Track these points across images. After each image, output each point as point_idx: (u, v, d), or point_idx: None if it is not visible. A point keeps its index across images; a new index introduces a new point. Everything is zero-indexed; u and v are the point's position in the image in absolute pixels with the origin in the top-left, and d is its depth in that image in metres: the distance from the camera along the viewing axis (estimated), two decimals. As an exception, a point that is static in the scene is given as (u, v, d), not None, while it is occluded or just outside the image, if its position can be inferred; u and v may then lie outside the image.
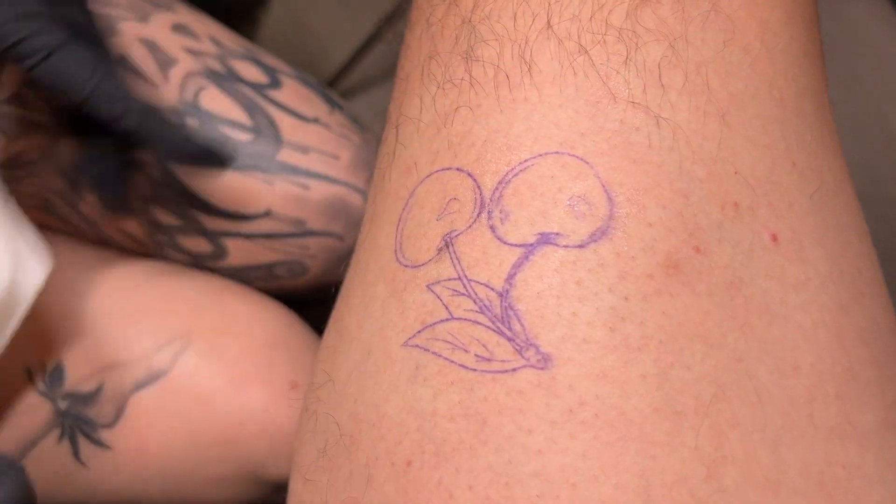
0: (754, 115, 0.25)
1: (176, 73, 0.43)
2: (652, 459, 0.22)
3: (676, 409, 0.23)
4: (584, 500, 0.22)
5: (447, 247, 0.26)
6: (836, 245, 0.26)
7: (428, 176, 0.27)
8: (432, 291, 0.26)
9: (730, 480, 0.22)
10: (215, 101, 0.43)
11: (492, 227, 0.25)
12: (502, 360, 0.24)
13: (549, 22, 0.26)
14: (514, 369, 0.24)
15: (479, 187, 0.26)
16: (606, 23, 0.25)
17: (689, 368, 0.23)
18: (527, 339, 0.24)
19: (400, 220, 0.27)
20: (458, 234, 0.26)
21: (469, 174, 0.26)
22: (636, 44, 0.25)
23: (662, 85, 0.25)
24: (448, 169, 0.26)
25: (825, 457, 0.23)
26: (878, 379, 0.25)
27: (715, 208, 0.24)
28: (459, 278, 0.25)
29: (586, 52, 0.25)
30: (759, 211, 0.25)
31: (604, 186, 0.24)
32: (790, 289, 0.25)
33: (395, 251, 0.27)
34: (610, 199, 0.24)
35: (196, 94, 0.42)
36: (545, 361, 0.23)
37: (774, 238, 0.25)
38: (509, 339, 0.24)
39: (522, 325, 0.24)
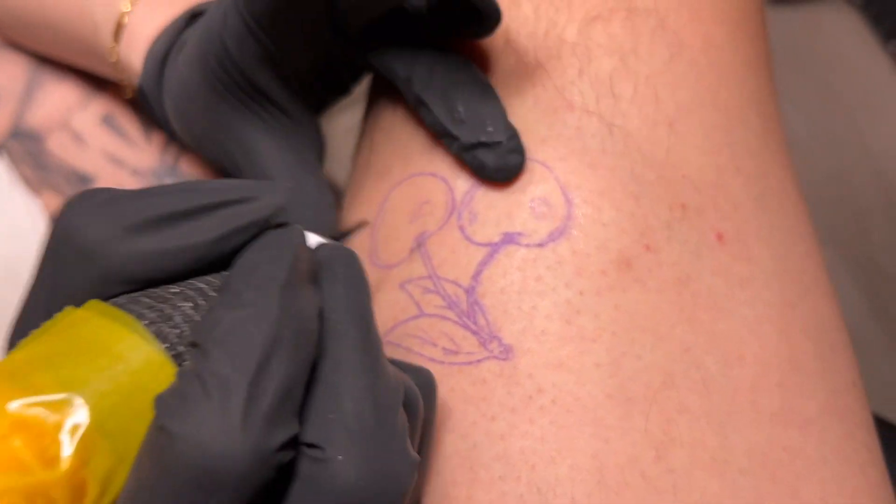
0: (700, 123, 0.27)
1: (158, 138, 0.42)
2: (605, 442, 0.24)
3: (628, 396, 0.24)
4: (542, 480, 0.24)
5: (419, 247, 0.27)
6: (781, 245, 0.28)
7: (401, 181, 0.29)
8: (405, 290, 0.27)
9: (678, 462, 0.24)
10: (194, 167, 0.44)
11: (461, 228, 0.27)
12: (468, 353, 0.26)
13: (507, 39, 0.28)
14: (478, 360, 0.25)
15: (451, 190, 0.27)
16: (560, 38, 0.27)
17: (640, 358, 0.25)
18: (490, 332, 0.26)
19: (374, 224, 0.29)
20: (430, 235, 0.27)
21: (443, 179, 0.28)
22: (588, 57, 0.27)
23: (614, 95, 0.27)
24: (422, 174, 0.28)
25: (768, 440, 0.25)
26: (821, 370, 0.27)
27: (664, 209, 0.26)
28: (430, 276, 0.27)
29: (542, 65, 0.27)
30: (706, 212, 0.27)
31: (562, 189, 0.26)
32: (736, 285, 0.26)
33: (371, 254, 0.29)
34: (568, 201, 0.26)
35: (176, 159, 0.43)
36: (507, 352, 0.25)
37: (720, 237, 0.27)
38: (474, 333, 0.26)
39: (487, 320, 0.26)
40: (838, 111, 0.83)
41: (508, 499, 0.24)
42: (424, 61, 0.26)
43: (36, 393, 0.15)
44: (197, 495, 0.16)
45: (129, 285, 0.19)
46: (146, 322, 0.18)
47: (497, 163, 0.26)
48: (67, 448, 0.15)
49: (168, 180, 0.41)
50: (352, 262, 0.21)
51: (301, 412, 0.18)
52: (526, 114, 0.27)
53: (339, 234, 0.25)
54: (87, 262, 0.19)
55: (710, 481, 0.24)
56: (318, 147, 0.31)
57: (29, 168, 0.41)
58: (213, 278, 0.20)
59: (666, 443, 0.24)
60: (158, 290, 0.19)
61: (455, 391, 0.25)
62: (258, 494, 0.17)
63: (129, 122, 0.42)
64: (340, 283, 0.20)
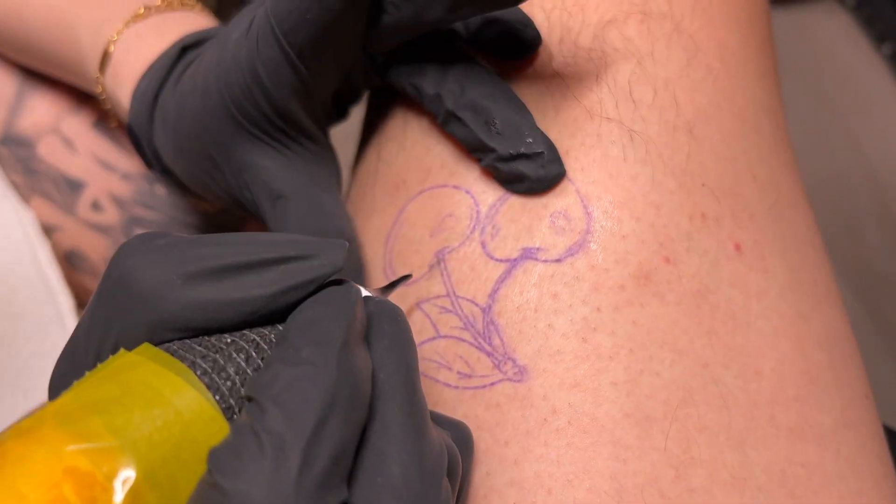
0: (718, 129, 0.27)
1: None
2: (623, 463, 0.23)
3: (646, 414, 0.24)
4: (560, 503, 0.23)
5: (438, 263, 0.27)
6: (794, 256, 0.27)
7: (420, 193, 0.28)
8: (422, 310, 0.27)
9: (697, 481, 0.23)
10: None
11: (482, 243, 0.26)
12: (482, 376, 0.25)
13: None
14: (492, 383, 0.25)
15: (477, 204, 0.27)
16: (575, 45, 0.27)
17: (659, 375, 0.24)
18: (505, 353, 0.25)
19: (389, 237, 0.28)
20: (451, 251, 0.27)
21: (468, 192, 0.27)
22: (605, 62, 0.26)
23: (633, 100, 0.26)
24: (444, 186, 0.27)
25: (787, 456, 0.24)
26: (836, 382, 0.27)
27: (684, 219, 0.26)
28: (448, 295, 0.26)
29: (559, 74, 0.27)
30: (724, 221, 0.26)
31: (583, 201, 0.26)
32: (752, 296, 0.26)
33: (384, 268, 0.28)
34: (588, 214, 0.25)
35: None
36: (521, 374, 0.25)
37: (738, 247, 0.26)
38: (489, 354, 0.25)
39: (501, 340, 0.25)
40: (831, 114, 0.83)
41: None
42: (454, 77, 0.26)
43: (88, 439, 0.15)
44: None
45: (183, 333, 0.19)
46: (199, 372, 0.18)
47: (538, 173, 0.25)
48: (117, 497, 0.15)
49: (159, 186, 0.41)
50: (398, 318, 0.21)
51: (350, 474, 0.18)
52: (548, 125, 0.26)
53: (384, 287, 0.25)
54: (143, 307, 0.18)
55: (730, 500, 0.23)
56: (336, 175, 0.31)
57: (19, 174, 0.41)
58: (267, 331, 0.19)
59: (686, 462, 0.23)
60: (212, 339, 0.19)
61: (468, 418, 0.25)
62: None
63: (121, 127, 0.41)
64: (388, 340, 0.20)
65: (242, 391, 0.18)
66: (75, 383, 0.17)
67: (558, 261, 0.25)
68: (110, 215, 0.41)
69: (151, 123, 0.31)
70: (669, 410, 0.24)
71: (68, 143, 0.41)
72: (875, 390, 0.30)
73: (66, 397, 0.17)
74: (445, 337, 0.26)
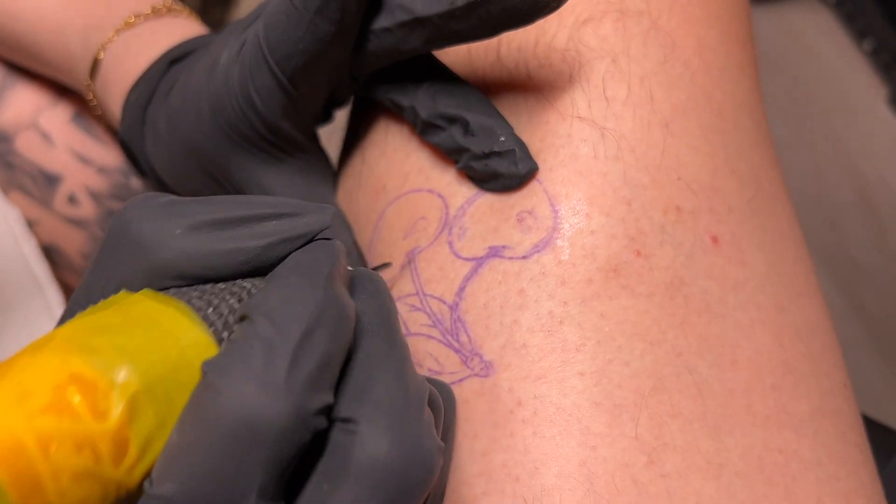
0: (696, 124, 0.27)
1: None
2: (592, 450, 0.23)
3: (616, 403, 0.24)
4: (527, 491, 0.23)
5: (409, 263, 0.27)
6: (773, 249, 0.28)
7: (398, 197, 0.28)
8: None
9: (671, 466, 0.24)
10: None
11: (450, 243, 0.26)
12: (451, 372, 0.25)
13: (498, 54, 0.28)
14: (460, 380, 0.25)
15: (446, 206, 0.27)
16: (550, 46, 0.27)
17: (628, 364, 0.24)
18: (472, 349, 0.25)
19: (370, 242, 0.29)
20: (421, 251, 0.27)
21: (439, 195, 0.27)
22: (579, 62, 0.27)
23: (606, 98, 0.26)
24: (419, 190, 0.28)
25: (764, 442, 0.25)
26: (814, 372, 0.27)
27: (658, 213, 0.26)
28: (417, 293, 0.26)
29: (532, 77, 0.27)
30: (701, 215, 0.26)
31: (550, 200, 0.26)
32: (729, 289, 0.26)
33: None
34: (555, 212, 0.26)
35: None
36: (487, 369, 0.25)
37: (715, 240, 0.26)
38: (456, 351, 0.25)
39: (469, 336, 0.25)
40: (812, 109, 0.84)
41: None
42: (427, 89, 0.27)
43: (93, 353, 0.16)
44: (237, 449, 0.16)
45: (179, 280, 0.20)
46: (194, 308, 0.19)
47: (511, 169, 0.26)
48: (117, 404, 0.16)
49: (134, 179, 0.41)
50: (377, 278, 0.22)
51: (335, 392, 0.19)
52: (520, 129, 0.27)
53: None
54: (142, 255, 0.20)
55: (706, 484, 0.24)
56: (330, 178, 0.32)
57: (-4, 169, 0.40)
58: (258, 281, 0.21)
59: (658, 448, 0.24)
60: (207, 286, 0.20)
61: None
62: (293, 457, 0.17)
63: (98, 121, 0.41)
64: (368, 293, 0.21)
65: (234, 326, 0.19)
66: (79, 313, 0.19)
67: (524, 258, 0.25)
68: (86, 209, 0.41)
69: (143, 135, 0.32)
70: (640, 399, 0.24)
71: (46, 137, 0.41)
72: (855, 381, 0.30)
73: (72, 323, 0.18)
74: (415, 335, 0.26)
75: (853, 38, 0.90)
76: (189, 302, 0.19)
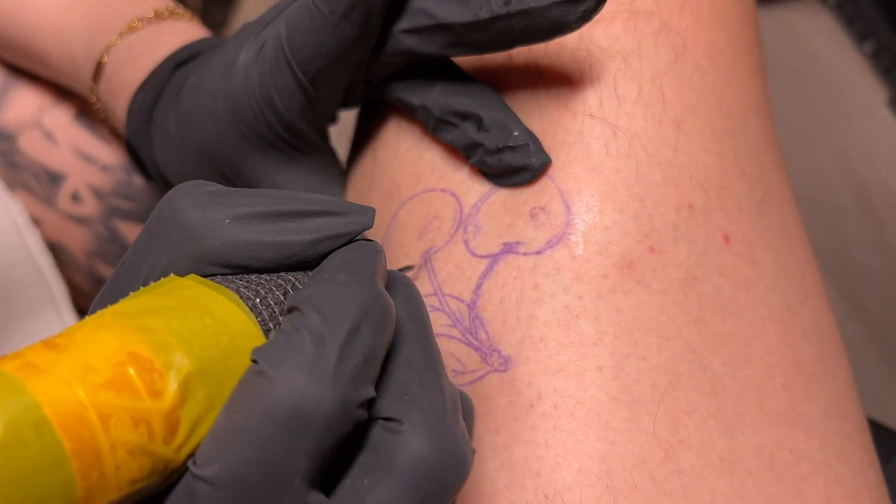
0: (707, 124, 0.27)
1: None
2: (612, 445, 0.23)
3: (634, 398, 0.24)
4: (548, 486, 0.23)
5: (425, 263, 0.27)
6: (782, 250, 0.28)
7: (411, 197, 0.28)
8: None
9: (687, 463, 0.24)
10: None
11: (465, 242, 0.26)
12: (472, 371, 0.25)
13: (510, 53, 0.28)
14: (480, 377, 0.25)
15: (460, 205, 0.27)
16: (560, 45, 0.27)
17: (645, 359, 0.24)
18: (490, 345, 0.25)
19: (384, 242, 0.29)
20: (437, 251, 0.27)
21: (453, 194, 0.27)
22: (590, 61, 0.27)
23: (618, 96, 0.26)
24: (433, 190, 0.28)
25: (775, 441, 0.25)
26: (822, 373, 0.27)
27: (671, 210, 0.26)
28: (436, 293, 0.26)
29: (543, 76, 0.27)
30: (713, 213, 0.26)
31: (562, 196, 0.26)
32: (741, 287, 0.26)
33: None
34: (568, 208, 0.26)
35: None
36: (506, 363, 0.25)
37: (727, 239, 0.26)
38: (476, 349, 0.25)
39: (487, 333, 0.25)
40: (813, 111, 0.84)
41: None
42: (439, 88, 0.27)
43: (150, 333, 0.17)
44: (285, 435, 0.17)
45: (224, 268, 0.20)
46: (242, 297, 0.19)
47: (524, 163, 0.26)
48: (172, 384, 0.17)
49: (137, 177, 0.41)
50: (409, 282, 0.22)
51: (376, 390, 0.19)
52: (532, 127, 0.27)
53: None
54: (191, 240, 0.20)
55: (720, 482, 0.24)
56: (341, 179, 0.32)
57: (1, 168, 0.40)
58: (301, 275, 0.21)
59: (674, 444, 0.24)
60: (252, 276, 0.20)
61: None
62: (335, 447, 0.17)
63: (101, 120, 0.41)
64: (402, 296, 0.21)
65: (281, 319, 0.20)
66: (132, 294, 0.19)
67: (538, 253, 0.25)
68: (90, 207, 0.41)
69: (150, 137, 0.32)
70: (657, 394, 0.24)
71: (49, 136, 0.41)
72: (858, 383, 0.30)
73: (125, 303, 0.18)
74: (437, 335, 0.26)
75: (854, 40, 0.91)
76: (237, 291, 0.19)
